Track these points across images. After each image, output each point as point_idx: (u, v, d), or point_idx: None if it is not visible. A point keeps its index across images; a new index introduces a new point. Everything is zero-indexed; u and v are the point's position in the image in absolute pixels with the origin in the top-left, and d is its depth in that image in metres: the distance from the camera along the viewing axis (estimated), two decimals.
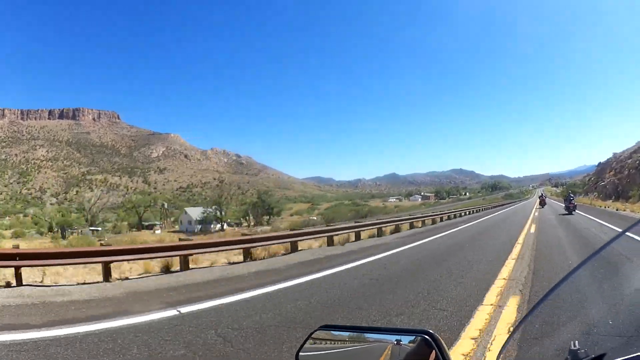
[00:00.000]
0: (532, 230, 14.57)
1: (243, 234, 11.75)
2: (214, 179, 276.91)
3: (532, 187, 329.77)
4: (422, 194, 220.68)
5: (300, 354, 0.96)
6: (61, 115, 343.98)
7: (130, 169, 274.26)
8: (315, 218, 67.01)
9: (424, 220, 21.75)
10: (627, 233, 1.00)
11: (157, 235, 53.53)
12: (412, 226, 19.42)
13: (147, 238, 36.97)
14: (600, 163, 66.81)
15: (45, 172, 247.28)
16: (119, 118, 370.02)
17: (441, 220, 24.36)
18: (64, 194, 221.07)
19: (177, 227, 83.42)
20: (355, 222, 18.38)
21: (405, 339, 0.89)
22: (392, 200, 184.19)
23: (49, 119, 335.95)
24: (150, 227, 79.52)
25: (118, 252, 7.69)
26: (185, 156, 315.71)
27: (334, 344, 1.00)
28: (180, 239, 9.36)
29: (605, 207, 31.85)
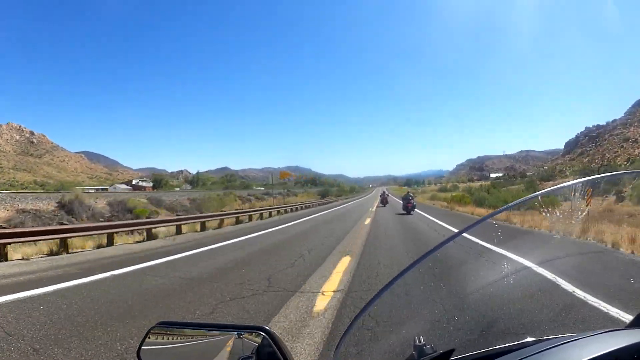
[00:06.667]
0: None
1: None
2: None
3: (371, 186, 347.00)
4: (136, 182, 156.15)
5: (143, 347, 0.92)
6: None
7: None
8: None
9: None
10: (464, 234, 0.92)
11: None
12: None
13: None
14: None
15: None
16: None
17: None
18: None
19: None
20: None
21: (245, 334, 0.90)
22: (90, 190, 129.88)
23: None
24: None
25: None
26: None
27: (175, 339, 0.97)
28: None
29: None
